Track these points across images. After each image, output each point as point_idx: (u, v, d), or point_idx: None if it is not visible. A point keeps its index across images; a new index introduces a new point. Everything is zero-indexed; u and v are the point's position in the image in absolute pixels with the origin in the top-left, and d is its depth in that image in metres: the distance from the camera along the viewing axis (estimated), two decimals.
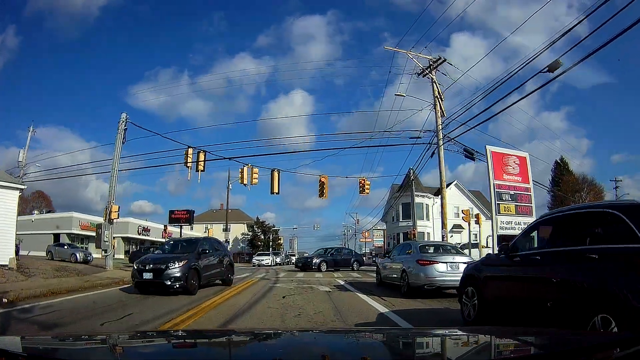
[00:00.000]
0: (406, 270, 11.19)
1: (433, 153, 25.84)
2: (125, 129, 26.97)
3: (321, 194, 28.29)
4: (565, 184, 76.27)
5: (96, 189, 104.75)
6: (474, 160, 26.33)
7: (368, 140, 29.82)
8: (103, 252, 26.31)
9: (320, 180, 28.37)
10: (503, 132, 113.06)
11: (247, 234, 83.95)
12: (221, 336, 2.96)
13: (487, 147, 27.06)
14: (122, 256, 56.84)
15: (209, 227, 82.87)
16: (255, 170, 26.82)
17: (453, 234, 47.43)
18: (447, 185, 51.46)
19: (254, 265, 38.79)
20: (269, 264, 39.56)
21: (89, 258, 31.86)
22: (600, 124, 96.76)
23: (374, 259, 70.09)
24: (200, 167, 25.85)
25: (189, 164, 25.72)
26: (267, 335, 2.82)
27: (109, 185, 27.78)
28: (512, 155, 28.27)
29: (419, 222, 40.72)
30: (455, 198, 48.76)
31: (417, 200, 40.36)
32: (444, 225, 24.24)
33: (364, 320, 7.40)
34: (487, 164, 26.66)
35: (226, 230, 39.13)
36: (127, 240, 59.57)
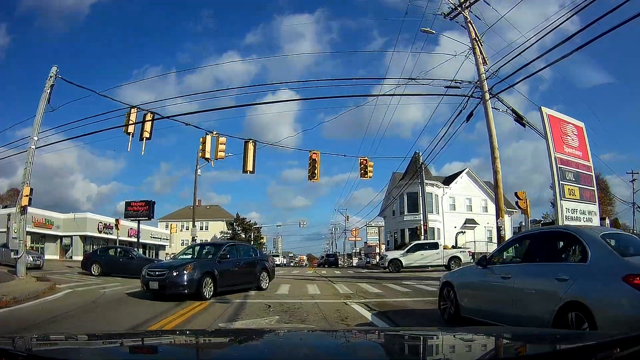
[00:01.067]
0: (586, 301, 3.90)
1: (470, 115, 18.75)
2: (52, 85, 19.50)
3: (311, 176, 21.16)
4: None
5: (83, 189, 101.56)
6: (524, 125, 19.22)
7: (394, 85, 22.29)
8: (13, 253, 19.05)
9: (310, 157, 21.27)
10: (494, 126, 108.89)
11: (227, 233, 76.05)
12: (215, 336, 2.99)
13: (543, 108, 20.11)
14: (80, 257, 48.74)
15: (182, 225, 75.24)
16: (222, 139, 19.40)
17: (466, 231, 40.68)
18: (458, 174, 44.68)
19: None
20: None
21: (38, 262, 24.87)
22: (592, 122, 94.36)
23: (367, 260, 62.93)
24: (146, 134, 18.44)
25: (129, 130, 18.38)
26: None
27: (26, 161, 20.21)
28: (569, 122, 21.35)
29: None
30: (466, 188, 41.95)
31: (426, 189, 33.21)
32: (498, 212, 17.01)
33: None
34: (545, 131, 19.67)
35: (194, 226, 31.45)
36: (86, 239, 51.10)
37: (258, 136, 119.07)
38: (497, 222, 16.99)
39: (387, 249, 46.22)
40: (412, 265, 26.42)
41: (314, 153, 21.44)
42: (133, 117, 18.42)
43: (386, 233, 47.86)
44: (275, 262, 56.76)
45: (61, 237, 49.70)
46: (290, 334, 3.08)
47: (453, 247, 30.26)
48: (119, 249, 22.31)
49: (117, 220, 32.61)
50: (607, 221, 69.36)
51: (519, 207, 18.96)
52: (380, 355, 2.23)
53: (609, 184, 67.45)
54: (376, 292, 12.45)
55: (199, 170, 32.03)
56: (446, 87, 18.00)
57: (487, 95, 18.14)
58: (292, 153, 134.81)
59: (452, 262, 26.04)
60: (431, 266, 26.51)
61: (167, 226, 73.55)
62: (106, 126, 19.27)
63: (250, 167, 19.41)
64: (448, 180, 41.65)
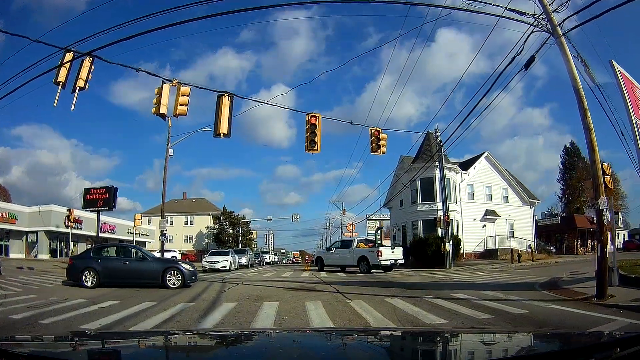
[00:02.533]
0: None
1: (531, 60, 13.41)
2: None
3: (310, 145, 15.81)
4: (580, 171, 65.44)
5: (76, 187, 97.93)
6: (593, 80, 13.57)
7: None
8: None
9: (309, 121, 15.96)
10: (484, 130, 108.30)
11: (213, 228, 69.97)
12: (203, 338, 2.82)
13: (615, 63, 14.62)
14: (46, 256, 42.69)
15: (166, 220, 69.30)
16: (185, 89, 13.75)
17: (486, 224, 35.10)
18: (476, 158, 38.80)
19: (204, 270, 25.46)
20: (227, 267, 26.14)
21: None
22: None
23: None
24: (81, 82, 13.15)
25: (59, 79, 13.08)
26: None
27: None
28: (638, 86, 15.93)
29: (442, 206, 28.00)
30: (486, 175, 36.36)
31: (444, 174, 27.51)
32: (597, 190, 11.22)
33: None
34: (621, 90, 14.09)
35: (163, 217, 25.65)
36: (51, 235, 44.90)
37: (251, 131, 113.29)
38: (597, 205, 11.17)
39: (392, 245, 40.63)
40: (331, 264, 24.03)
41: (312, 116, 15.89)
42: (67, 63, 13.26)
43: (392, 227, 42.15)
44: (266, 260, 51.45)
45: (27, 232, 43.66)
46: (282, 335, 2.86)
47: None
48: (122, 248, 16.19)
49: (69, 211, 26.55)
50: (620, 215, 64.14)
51: (606, 184, 13.27)
52: (381, 357, 2.12)
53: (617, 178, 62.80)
54: (436, 322, 6.78)
55: (170, 150, 26.24)
56: (506, 7, 12.35)
57: (560, 30, 12.60)
58: (287, 149, 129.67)
59: (362, 262, 21.86)
60: (346, 266, 23.40)
61: (149, 221, 67.61)
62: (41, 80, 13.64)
63: (224, 129, 13.77)
64: (465, 166, 35.95)
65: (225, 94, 14.28)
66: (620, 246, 52.70)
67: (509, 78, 13.91)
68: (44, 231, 43.95)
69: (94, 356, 1.96)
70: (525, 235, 35.49)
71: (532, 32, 13.11)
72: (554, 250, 41.23)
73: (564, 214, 55.01)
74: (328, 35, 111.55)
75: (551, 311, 8.61)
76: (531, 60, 13.48)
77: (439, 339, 2.49)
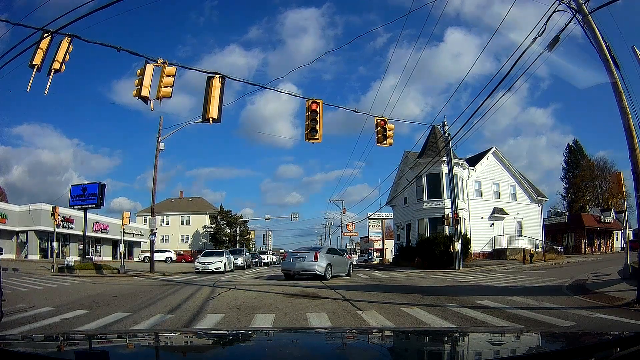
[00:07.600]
0: None
1: (556, 40, 12.34)
2: None
3: (311, 134, 14.41)
4: (584, 169, 63.83)
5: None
6: (618, 67, 12.13)
7: None
8: None
9: (309, 107, 14.48)
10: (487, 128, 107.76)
11: (210, 227, 68.32)
12: (199, 338, 2.66)
13: (637, 50, 13.28)
14: (36, 257, 41.12)
15: (162, 220, 67.64)
16: (170, 69, 12.22)
17: (494, 222, 33.62)
18: (483, 154, 37.17)
19: (196, 271, 23.90)
20: (221, 269, 24.44)
21: None
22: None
23: (368, 257, 55.90)
24: (56, 64, 11.79)
25: (35, 62, 11.65)
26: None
27: None
28: None
29: (449, 203, 26.51)
30: (493, 172, 34.89)
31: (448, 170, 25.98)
32: (638, 181, 9.64)
33: None
34: None
35: (153, 216, 24.03)
36: (41, 234, 43.21)
37: (253, 128, 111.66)
38: (638, 197, 9.61)
39: (396, 244, 39.18)
40: None
41: (314, 102, 14.43)
42: (44, 45, 11.96)
43: (395, 225, 40.62)
44: (263, 260, 49.87)
45: (17, 232, 42.06)
46: (281, 335, 2.72)
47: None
48: None
49: (54, 208, 24.91)
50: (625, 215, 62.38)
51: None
52: (384, 357, 2.01)
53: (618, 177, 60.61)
54: None
55: (161, 144, 24.66)
56: None
57: (585, 8, 11.26)
58: (289, 148, 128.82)
59: None
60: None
61: (145, 220, 66.05)
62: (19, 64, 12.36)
63: (214, 114, 12.29)
64: (472, 162, 34.43)
65: (216, 76, 12.82)
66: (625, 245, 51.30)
67: (527, 63, 12.65)
68: (34, 231, 42.33)
69: (85, 355, 1.83)
70: (533, 235, 34.09)
71: (555, 10, 11.91)
72: (562, 250, 39.88)
73: (566, 213, 53.66)
74: (336, 34, 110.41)
75: (602, 322, 7.33)
76: (555, 40, 12.22)
77: (444, 338, 2.41)
